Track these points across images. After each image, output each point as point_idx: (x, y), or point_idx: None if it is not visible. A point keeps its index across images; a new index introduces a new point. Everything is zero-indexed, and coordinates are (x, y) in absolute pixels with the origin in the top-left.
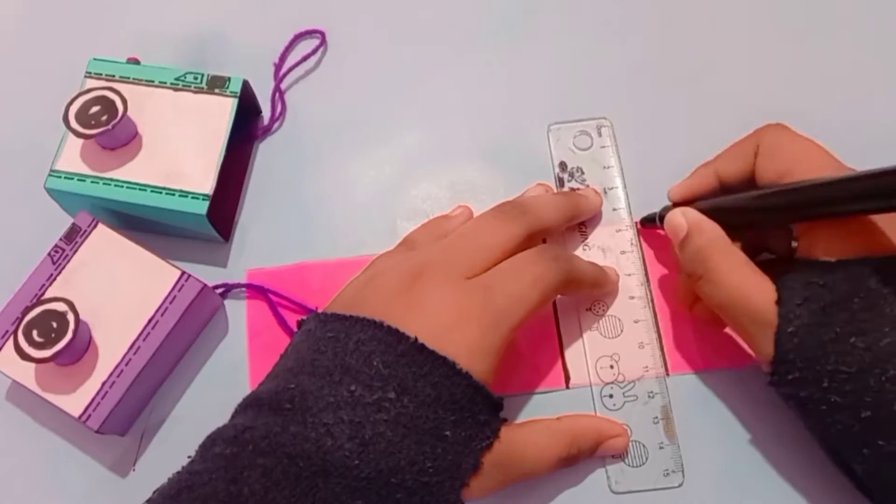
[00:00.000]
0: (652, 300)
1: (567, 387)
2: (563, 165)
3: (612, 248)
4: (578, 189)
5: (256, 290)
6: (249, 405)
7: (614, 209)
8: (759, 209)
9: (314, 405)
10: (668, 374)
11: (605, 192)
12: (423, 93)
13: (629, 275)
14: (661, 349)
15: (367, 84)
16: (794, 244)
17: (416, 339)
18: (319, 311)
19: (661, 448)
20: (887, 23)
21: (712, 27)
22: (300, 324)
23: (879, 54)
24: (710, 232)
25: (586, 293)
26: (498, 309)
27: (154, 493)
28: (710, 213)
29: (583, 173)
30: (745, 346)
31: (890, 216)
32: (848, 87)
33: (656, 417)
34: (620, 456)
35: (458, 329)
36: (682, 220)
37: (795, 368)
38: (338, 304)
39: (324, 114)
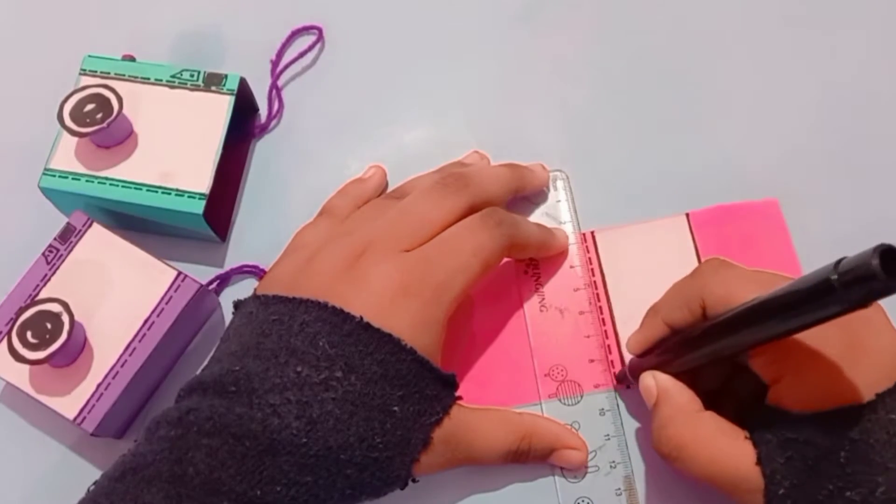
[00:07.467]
0: (611, 362)
1: None
2: None
3: (570, 308)
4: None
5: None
6: (193, 389)
7: (571, 266)
8: (704, 342)
9: (260, 387)
10: (627, 447)
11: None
12: (422, 89)
13: (587, 336)
14: (620, 414)
15: (366, 81)
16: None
17: (361, 319)
18: (258, 292)
19: None
20: None
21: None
22: (237, 305)
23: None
24: (677, 398)
25: (533, 254)
26: (438, 282)
27: (101, 476)
28: (666, 354)
29: None
30: None
31: (852, 360)
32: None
33: (619, 489)
34: (574, 472)
35: (399, 304)
36: (653, 383)
37: None
38: (277, 285)
39: (322, 111)
